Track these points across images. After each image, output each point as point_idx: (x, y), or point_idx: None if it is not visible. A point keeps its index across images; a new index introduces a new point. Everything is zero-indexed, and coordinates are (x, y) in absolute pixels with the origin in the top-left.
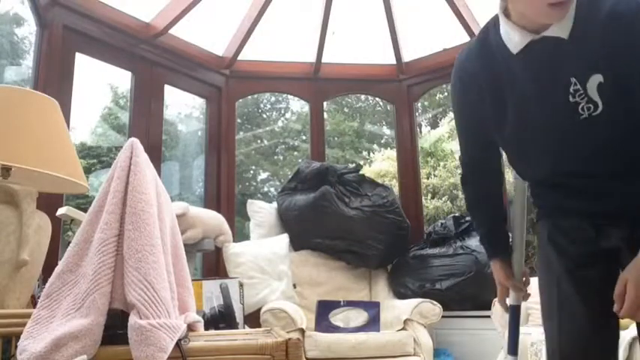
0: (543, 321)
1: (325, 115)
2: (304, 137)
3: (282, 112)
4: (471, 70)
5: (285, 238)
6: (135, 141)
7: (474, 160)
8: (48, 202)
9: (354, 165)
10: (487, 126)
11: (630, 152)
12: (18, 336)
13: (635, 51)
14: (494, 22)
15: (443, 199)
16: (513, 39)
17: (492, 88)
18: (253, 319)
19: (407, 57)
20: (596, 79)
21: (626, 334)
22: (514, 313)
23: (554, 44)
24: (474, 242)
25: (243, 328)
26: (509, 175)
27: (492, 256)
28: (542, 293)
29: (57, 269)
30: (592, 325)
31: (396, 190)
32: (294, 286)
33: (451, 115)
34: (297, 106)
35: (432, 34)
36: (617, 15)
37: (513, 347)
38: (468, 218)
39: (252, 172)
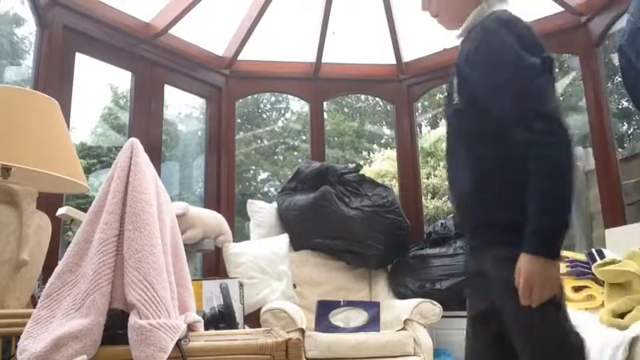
0: None
1: (325, 115)
2: (304, 137)
3: (282, 112)
4: None
5: (285, 238)
6: (135, 141)
7: None
8: (48, 202)
9: (354, 165)
10: None
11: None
12: (18, 336)
13: (474, 68)
14: None
15: (443, 199)
16: None
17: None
18: (253, 319)
19: (407, 57)
20: (456, 80)
21: (626, 334)
22: None
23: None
24: None
25: (243, 328)
26: None
27: None
28: None
29: (57, 269)
30: None
31: (396, 190)
32: (294, 286)
33: None
34: (297, 106)
35: (432, 34)
36: (479, 33)
37: None
38: None
39: (252, 172)
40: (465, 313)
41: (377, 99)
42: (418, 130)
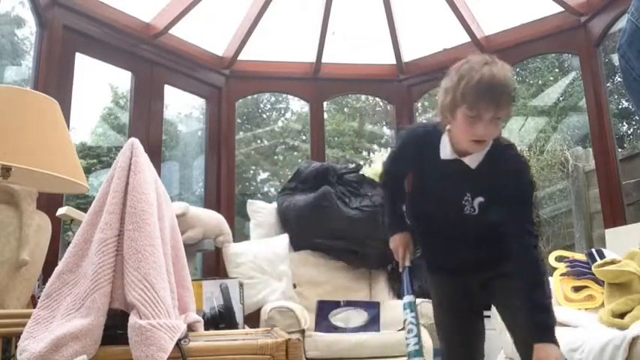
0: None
1: (325, 115)
2: (304, 137)
3: (282, 112)
4: (416, 140)
5: (285, 238)
6: (135, 141)
7: (393, 176)
8: (48, 202)
9: (354, 165)
10: (409, 169)
11: (487, 241)
12: (18, 336)
13: (507, 192)
14: (435, 126)
15: None
16: (444, 149)
17: (421, 159)
18: (253, 319)
19: (407, 57)
20: (479, 199)
21: (626, 334)
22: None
23: (466, 168)
24: None
25: (243, 328)
26: None
27: (393, 233)
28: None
29: (57, 269)
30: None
31: None
32: (294, 286)
33: None
34: (297, 106)
35: (432, 34)
36: (506, 168)
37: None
38: None
39: (252, 172)
40: None
41: (377, 99)
42: None
